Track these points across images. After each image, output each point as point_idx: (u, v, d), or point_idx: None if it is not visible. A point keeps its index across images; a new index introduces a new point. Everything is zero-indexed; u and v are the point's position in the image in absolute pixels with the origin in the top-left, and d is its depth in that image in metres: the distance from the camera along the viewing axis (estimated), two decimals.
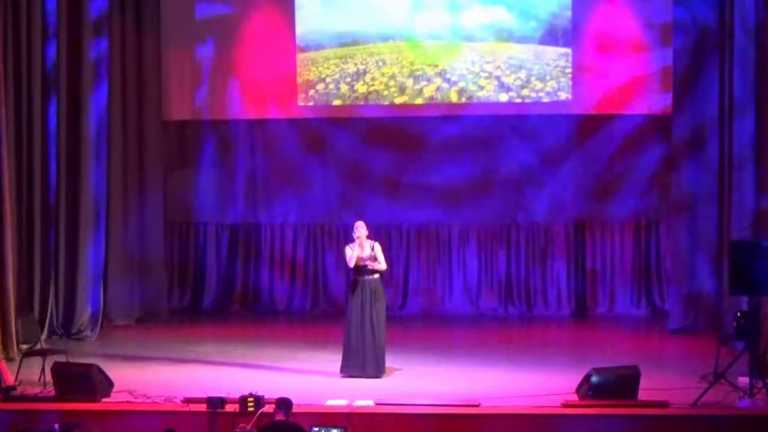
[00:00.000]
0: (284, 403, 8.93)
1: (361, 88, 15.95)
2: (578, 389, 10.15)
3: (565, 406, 9.92)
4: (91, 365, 10.47)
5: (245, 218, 16.45)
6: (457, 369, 11.89)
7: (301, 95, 16.04)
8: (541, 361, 12.29)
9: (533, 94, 15.65)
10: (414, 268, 16.18)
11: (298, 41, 15.95)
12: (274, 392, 9.67)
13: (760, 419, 9.66)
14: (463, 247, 16.13)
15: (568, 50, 15.55)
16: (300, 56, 15.95)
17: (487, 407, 9.92)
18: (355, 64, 15.91)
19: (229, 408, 9.76)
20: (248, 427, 9.46)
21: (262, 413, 9.56)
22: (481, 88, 15.72)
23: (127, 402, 10.29)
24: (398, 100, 15.91)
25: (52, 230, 13.95)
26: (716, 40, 13.70)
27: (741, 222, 12.75)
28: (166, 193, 15.89)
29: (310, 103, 16.07)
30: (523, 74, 15.65)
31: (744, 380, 10.26)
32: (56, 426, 8.26)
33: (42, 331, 13.26)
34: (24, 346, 12.44)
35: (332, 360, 11.79)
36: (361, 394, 10.32)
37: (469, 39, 15.72)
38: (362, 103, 16.00)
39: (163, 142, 15.75)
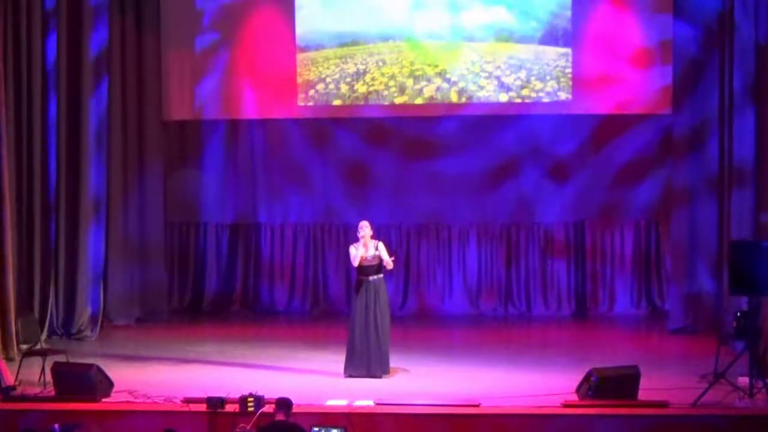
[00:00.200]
0: (284, 403, 8.93)
1: (361, 88, 15.94)
2: (578, 389, 10.16)
3: (565, 406, 9.92)
4: (91, 365, 10.48)
5: (245, 218, 16.43)
6: (457, 369, 11.89)
7: (301, 95, 16.02)
8: (541, 361, 12.29)
9: (533, 94, 15.63)
10: (414, 268, 16.17)
11: (298, 41, 15.93)
12: (274, 392, 9.68)
13: (760, 419, 9.67)
14: (463, 247, 16.12)
15: (568, 50, 15.53)
16: (300, 56, 15.93)
17: (487, 407, 9.93)
18: (355, 64, 15.90)
19: (229, 408, 9.77)
20: (248, 427, 9.47)
21: (262, 413, 9.57)
22: (481, 88, 15.71)
23: (127, 402, 10.30)
24: (398, 100, 15.90)
25: (52, 230, 13.94)
26: (717, 39, 13.70)
27: (741, 222, 12.77)
28: (166, 193, 15.88)
29: (310, 103, 16.06)
30: (523, 74, 15.63)
31: (744, 380, 10.27)
32: (56, 426, 8.24)
33: (42, 331, 13.27)
34: (24, 346, 12.44)
35: (332, 360, 11.79)
36: (361, 394, 10.33)
37: (469, 39, 15.70)
38: (362, 103, 15.98)
39: (163, 141, 15.75)
